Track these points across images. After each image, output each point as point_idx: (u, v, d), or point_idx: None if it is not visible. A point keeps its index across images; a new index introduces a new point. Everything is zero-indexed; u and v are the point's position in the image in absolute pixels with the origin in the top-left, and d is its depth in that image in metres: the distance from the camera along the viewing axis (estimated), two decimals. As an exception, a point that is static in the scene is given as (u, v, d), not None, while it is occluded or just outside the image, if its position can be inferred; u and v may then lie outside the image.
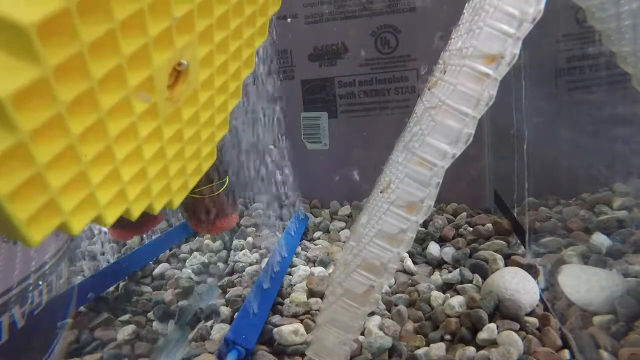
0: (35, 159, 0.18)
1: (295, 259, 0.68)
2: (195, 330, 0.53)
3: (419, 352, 0.45)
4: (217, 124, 0.33)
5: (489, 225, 0.68)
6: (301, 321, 0.52)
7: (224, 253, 0.74)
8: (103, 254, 0.72)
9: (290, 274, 0.63)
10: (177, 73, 0.25)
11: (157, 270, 0.69)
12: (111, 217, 0.24)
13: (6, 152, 0.16)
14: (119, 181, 0.23)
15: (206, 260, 0.71)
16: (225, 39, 0.29)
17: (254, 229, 0.80)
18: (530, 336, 0.44)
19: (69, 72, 0.18)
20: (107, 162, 0.22)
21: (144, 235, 0.77)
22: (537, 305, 0.48)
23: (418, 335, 0.48)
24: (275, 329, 0.49)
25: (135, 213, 0.26)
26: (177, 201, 0.30)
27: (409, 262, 0.63)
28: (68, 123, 0.19)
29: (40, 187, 0.18)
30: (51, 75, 0.17)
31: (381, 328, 0.49)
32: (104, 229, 0.68)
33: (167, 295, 0.61)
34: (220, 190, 0.56)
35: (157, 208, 0.28)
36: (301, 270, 0.63)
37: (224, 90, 0.32)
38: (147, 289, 0.65)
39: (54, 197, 0.19)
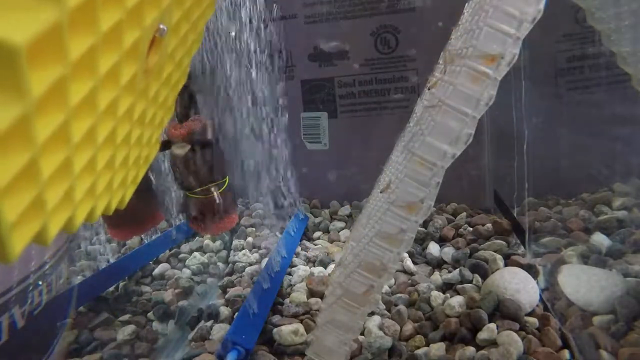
0: (35, 139, 0.14)
1: (295, 259, 0.68)
2: (195, 330, 0.53)
3: (419, 352, 0.45)
4: (168, 106, 0.30)
5: (489, 225, 0.68)
6: (301, 321, 0.52)
7: (224, 253, 0.74)
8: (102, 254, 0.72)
9: (290, 274, 0.63)
10: (152, 41, 0.23)
11: (157, 270, 0.69)
12: (81, 216, 0.20)
13: (11, 126, 0.13)
14: (94, 172, 0.20)
15: (206, 260, 0.71)
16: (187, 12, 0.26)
17: (254, 229, 0.80)
18: (530, 336, 0.44)
19: (78, 24, 0.15)
20: (89, 146, 0.19)
21: (143, 236, 0.77)
22: (537, 305, 0.48)
23: (418, 335, 0.48)
24: (275, 329, 0.49)
25: (98, 212, 0.22)
26: (128, 197, 0.27)
27: (408, 262, 0.63)
28: (70, 89, 0.15)
29: (32, 178, 0.15)
30: (66, 22, 0.14)
31: (381, 328, 0.49)
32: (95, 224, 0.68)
33: (167, 295, 0.61)
34: (220, 191, 0.56)
35: (114, 205, 0.24)
36: (301, 270, 0.63)
37: (180, 66, 0.29)
38: (147, 289, 0.65)
39: (41, 191, 0.15)
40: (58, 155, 0.16)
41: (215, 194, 0.55)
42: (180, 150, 0.52)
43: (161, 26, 0.22)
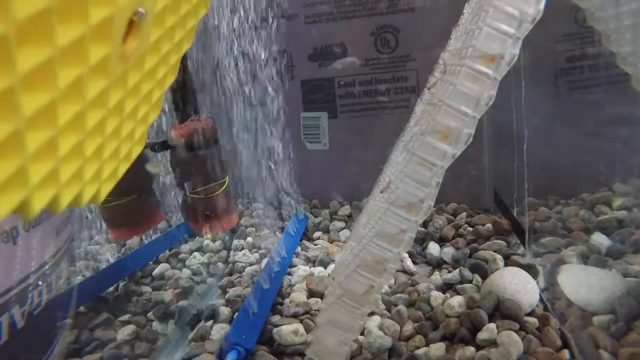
0: (21, 110, 0.15)
1: (295, 259, 0.68)
2: (195, 330, 0.53)
3: (419, 352, 0.45)
4: (153, 102, 0.29)
5: (489, 225, 0.68)
6: (301, 321, 0.52)
7: (224, 253, 0.74)
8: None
9: (290, 274, 0.63)
10: (130, 26, 0.22)
11: (157, 270, 0.69)
12: (66, 199, 0.20)
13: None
14: (81, 155, 0.20)
15: (206, 261, 0.71)
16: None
17: (254, 229, 0.80)
18: (530, 336, 0.44)
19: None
20: (77, 127, 0.19)
21: (144, 235, 0.77)
22: (537, 305, 0.48)
23: (418, 335, 0.48)
24: (275, 329, 0.49)
25: (85, 198, 0.22)
26: (105, 192, 0.26)
27: (408, 262, 0.63)
28: (56, 67, 0.16)
29: (15, 150, 0.16)
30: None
31: (381, 328, 0.49)
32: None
33: (167, 295, 0.61)
34: (220, 191, 0.56)
35: (86, 198, 0.24)
36: (301, 270, 0.63)
37: (166, 62, 0.29)
38: (147, 289, 0.65)
39: (25, 164, 0.16)
40: (43, 134, 0.17)
41: (215, 194, 0.55)
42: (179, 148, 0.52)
43: (140, 9, 0.21)
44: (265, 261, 0.66)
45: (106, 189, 0.26)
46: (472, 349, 0.44)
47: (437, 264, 0.64)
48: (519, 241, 0.64)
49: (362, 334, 0.49)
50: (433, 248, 0.66)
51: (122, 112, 0.24)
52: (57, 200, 0.20)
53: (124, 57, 0.22)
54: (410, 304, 0.54)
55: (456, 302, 0.50)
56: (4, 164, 0.16)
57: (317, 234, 0.78)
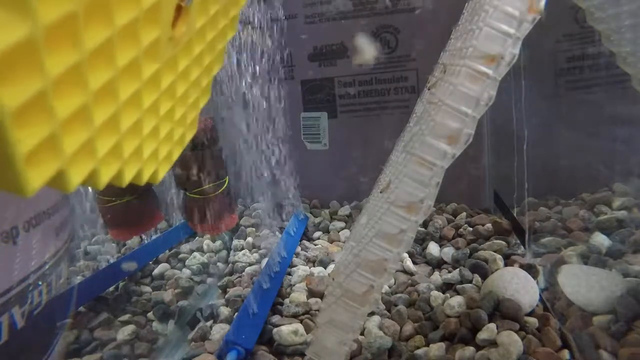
0: (45, 68, 0.14)
1: (295, 259, 0.68)
2: (195, 330, 0.53)
3: (419, 352, 0.45)
4: (203, 88, 0.30)
5: (489, 225, 0.68)
6: (301, 321, 0.52)
7: (224, 253, 0.74)
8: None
9: (290, 274, 0.63)
10: (178, 11, 0.23)
11: (157, 270, 0.69)
12: (106, 174, 0.20)
13: (18, 46, 0.13)
14: (117, 131, 0.20)
15: (206, 260, 0.71)
16: None
17: (254, 229, 0.80)
18: (530, 336, 0.44)
19: None
20: (110, 101, 0.19)
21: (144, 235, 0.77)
22: (537, 305, 0.48)
23: (418, 335, 0.48)
24: (275, 329, 0.49)
25: (127, 176, 0.22)
26: (162, 173, 0.26)
27: (408, 262, 0.63)
28: (81, 30, 0.15)
29: (44, 114, 0.15)
30: None
31: (381, 328, 0.49)
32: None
33: (167, 295, 0.61)
34: (220, 191, 0.56)
35: (145, 176, 0.24)
36: (301, 270, 0.63)
37: (212, 49, 0.29)
38: (147, 289, 0.65)
39: (56, 132, 0.15)
40: (74, 100, 0.16)
41: (215, 194, 0.55)
42: None
43: None
44: (265, 261, 0.66)
45: (163, 171, 0.27)
46: (472, 349, 0.44)
47: (437, 264, 0.64)
48: (519, 241, 0.64)
49: (362, 334, 0.49)
50: (433, 248, 0.66)
51: (174, 95, 0.25)
52: (121, 175, 0.21)
53: (174, 41, 0.23)
54: (410, 304, 0.54)
55: (456, 302, 0.50)
56: (75, 137, 0.17)
57: (317, 234, 0.78)
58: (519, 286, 0.48)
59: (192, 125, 0.30)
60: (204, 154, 0.54)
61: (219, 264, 0.71)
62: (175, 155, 0.28)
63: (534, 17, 0.31)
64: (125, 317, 0.58)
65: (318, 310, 0.53)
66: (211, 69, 0.31)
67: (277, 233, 0.77)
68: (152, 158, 0.25)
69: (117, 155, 0.21)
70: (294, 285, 0.60)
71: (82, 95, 0.17)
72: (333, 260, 0.66)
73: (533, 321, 0.46)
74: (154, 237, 0.75)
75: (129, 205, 0.56)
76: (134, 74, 0.20)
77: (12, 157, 0.14)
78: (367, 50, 0.61)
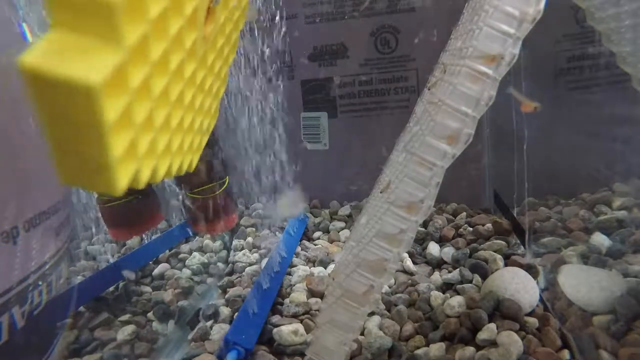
0: (129, 83, 0.16)
1: (295, 259, 0.68)
2: (195, 330, 0.53)
3: (419, 352, 0.45)
4: (222, 77, 0.32)
5: (489, 225, 0.68)
6: (301, 321, 0.52)
7: (224, 253, 0.74)
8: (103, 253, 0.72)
9: (290, 274, 0.63)
10: (207, 11, 0.25)
11: (157, 270, 0.69)
12: (163, 169, 0.22)
13: (117, 67, 0.15)
14: (169, 129, 0.22)
15: (206, 261, 0.71)
16: None
17: (254, 229, 0.80)
18: (530, 336, 0.44)
19: None
20: (164, 103, 0.21)
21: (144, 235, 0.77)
22: (537, 305, 0.48)
23: (418, 335, 0.48)
24: (275, 329, 0.49)
25: (174, 169, 0.24)
26: (195, 160, 0.29)
27: (408, 262, 0.63)
28: (151, 45, 0.17)
29: (127, 122, 0.17)
30: None
31: (381, 328, 0.49)
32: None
33: (167, 295, 0.61)
34: (220, 191, 0.56)
35: (185, 166, 0.26)
36: (301, 270, 0.63)
37: (229, 40, 0.31)
38: (147, 289, 0.65)
39: (137, 137, 0.18)
40: (145, 106, 0.18)
41: (215, 194, 0.55)
42: None
43: None
44: (265, 261, 0.66)
45: (196, 159, 0.29)
46: (472, 349, 0.44)
47: (437, 264, 0.64)
48: (519, 241, 0.64)
49: (362, 334, 0.49)
50: (433, 248, 0.66)
51: (203, 88, 0.27)
52: (170, 169, 0.24)
53: (205, 39, 0.24)
54: (410, 304, 0.54)
55: (456, 302, 0.50)
56: (145, 139, 0.19)
57: (317, 234, 0.78)
58: (519, 286, 0.48)
59: (215, 114, 0.32)
60: (204, 153, 0.54)
61: (219, 264, 0.71)
62: (203, 143, 0.30)
63: (534, 17, 0.31)
64: (125, 317, 0.58)
65: (318, 310, 0.53)
66: (228, 59, 0.33)
67: (277, 233, 0.77)
68: (189, 150, 0.27)
69: (168, 151, 0.23)
70: (294, 285, 0.60)
71: (149, 102, 0.19)
72: (333, 260, 0.66)
73: (533, 321, 0.46)
74: (154, 237, 0.75)
75: (129, 205, 0.56)
76: (180, 75, 0.22)
77: (108, 161, 0.16)
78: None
